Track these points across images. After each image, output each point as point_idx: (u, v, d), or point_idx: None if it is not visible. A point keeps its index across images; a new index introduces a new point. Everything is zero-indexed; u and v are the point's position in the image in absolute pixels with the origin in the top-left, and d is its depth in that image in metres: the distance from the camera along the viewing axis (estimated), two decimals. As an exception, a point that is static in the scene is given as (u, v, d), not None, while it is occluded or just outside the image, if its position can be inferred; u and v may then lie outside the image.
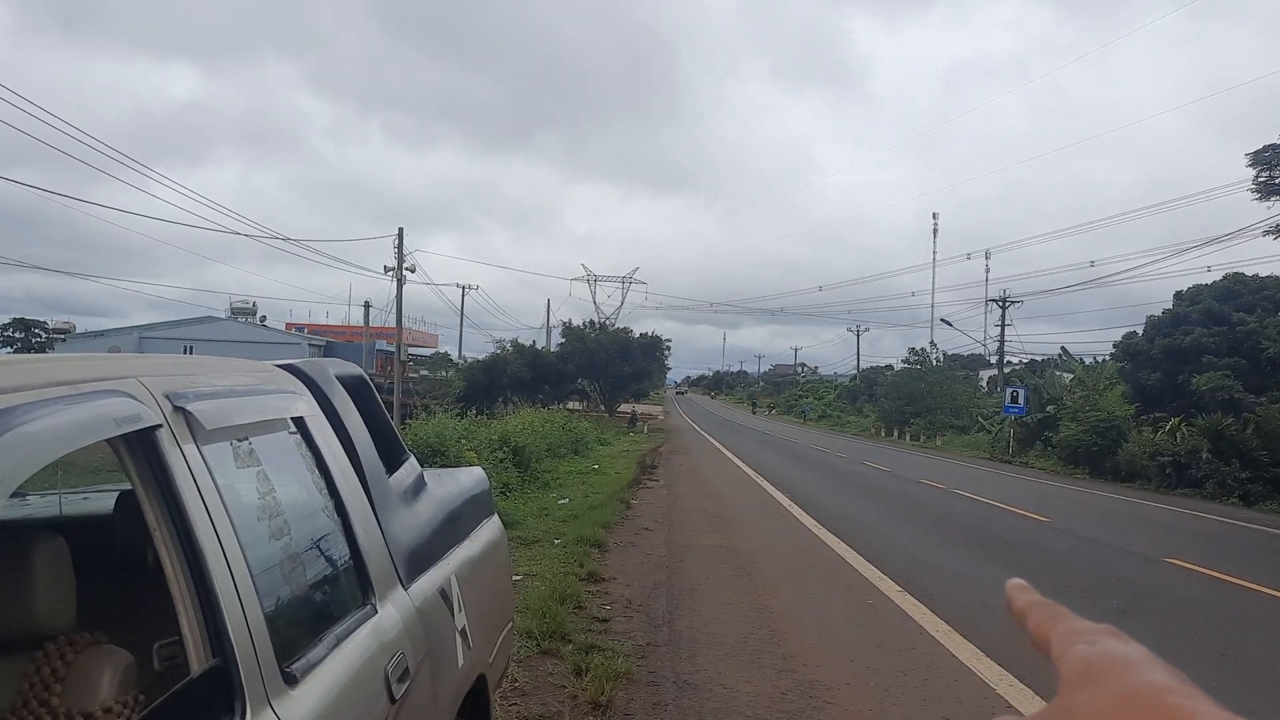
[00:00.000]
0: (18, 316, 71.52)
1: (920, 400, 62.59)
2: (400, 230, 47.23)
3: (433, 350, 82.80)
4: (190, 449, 2.01)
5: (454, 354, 75.94)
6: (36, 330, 71.13)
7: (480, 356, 65.87)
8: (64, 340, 67.63)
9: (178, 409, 2.02)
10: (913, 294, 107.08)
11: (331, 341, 72.41)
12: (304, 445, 2.69)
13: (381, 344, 67.74)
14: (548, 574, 9.90)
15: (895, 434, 61.60)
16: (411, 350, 69.49)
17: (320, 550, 2.60)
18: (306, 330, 79.87)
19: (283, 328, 78.30)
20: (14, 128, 20.62)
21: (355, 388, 3.36)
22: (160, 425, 1.92)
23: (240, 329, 69.04)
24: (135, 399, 1.90)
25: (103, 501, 3.16)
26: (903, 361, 75.04)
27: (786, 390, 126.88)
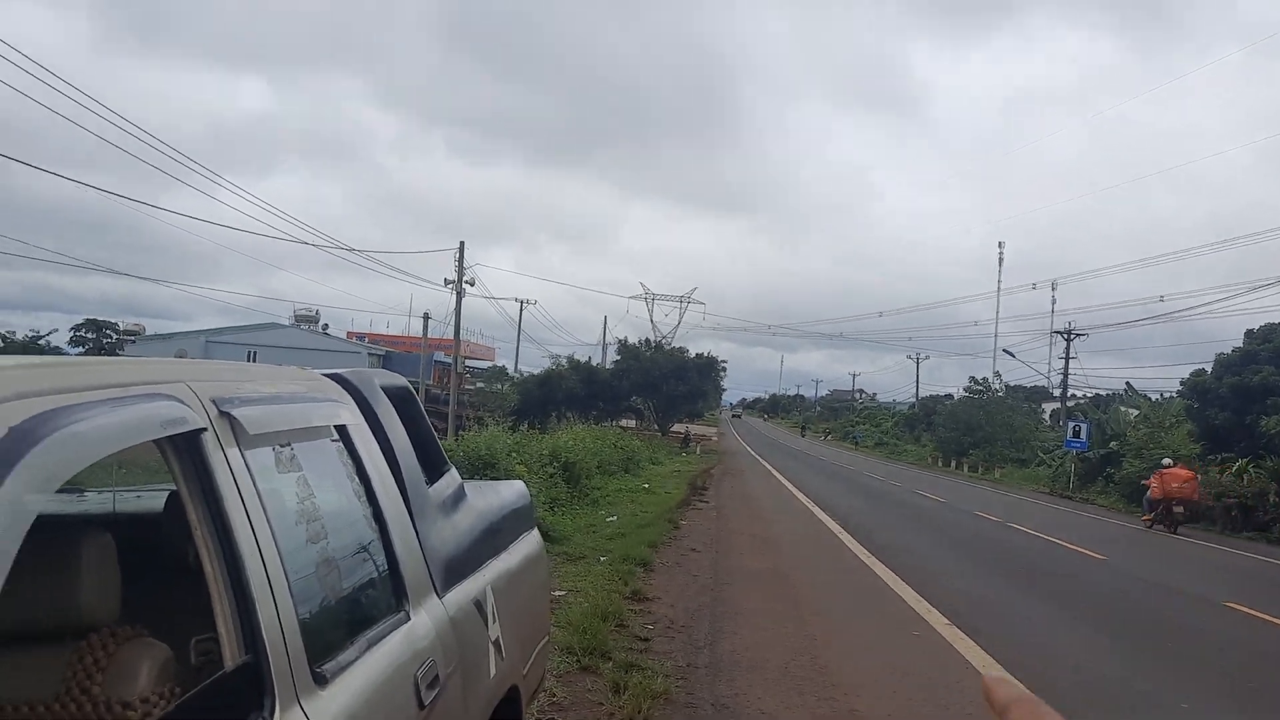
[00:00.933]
0: (90, 317, 73.53)
1: (979, 430, 61.60)
2: (461, 244, 47.88)
3: (489, 363, 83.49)
4: (233, 453, 2.08)
5: (510, 367, 76.57)
6: (108, 331, 72.98)
7: (536, 371, 66.39)
8: (134, 342, 69.25)
9: (223, 413, 2.10)
10: (975, 323, 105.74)
11: (391, 351, 73.35)
12: (345, 453, 2.76)
13: (439, 355, 68.47)
14: (591, 591, 9.93)
15: (952, 464, 60.69)
16: (469, 362, 70.18)
17: (356, 556, 2.66)
18: (367, 339, 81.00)
19: (344, 336, 79.52)
20: (94, 134, 21.43)
21: (400, 398, 3.44)
22: (205, 429, 1.99)
23: (303, 336, 70.27)
24: (182, 403, 1.97)
25: (154, 500, 3.26)
26: (963, 390, 74.00)
27: (843, 416, 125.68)
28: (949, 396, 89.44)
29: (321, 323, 79.88)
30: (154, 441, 1.88)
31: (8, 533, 1.39)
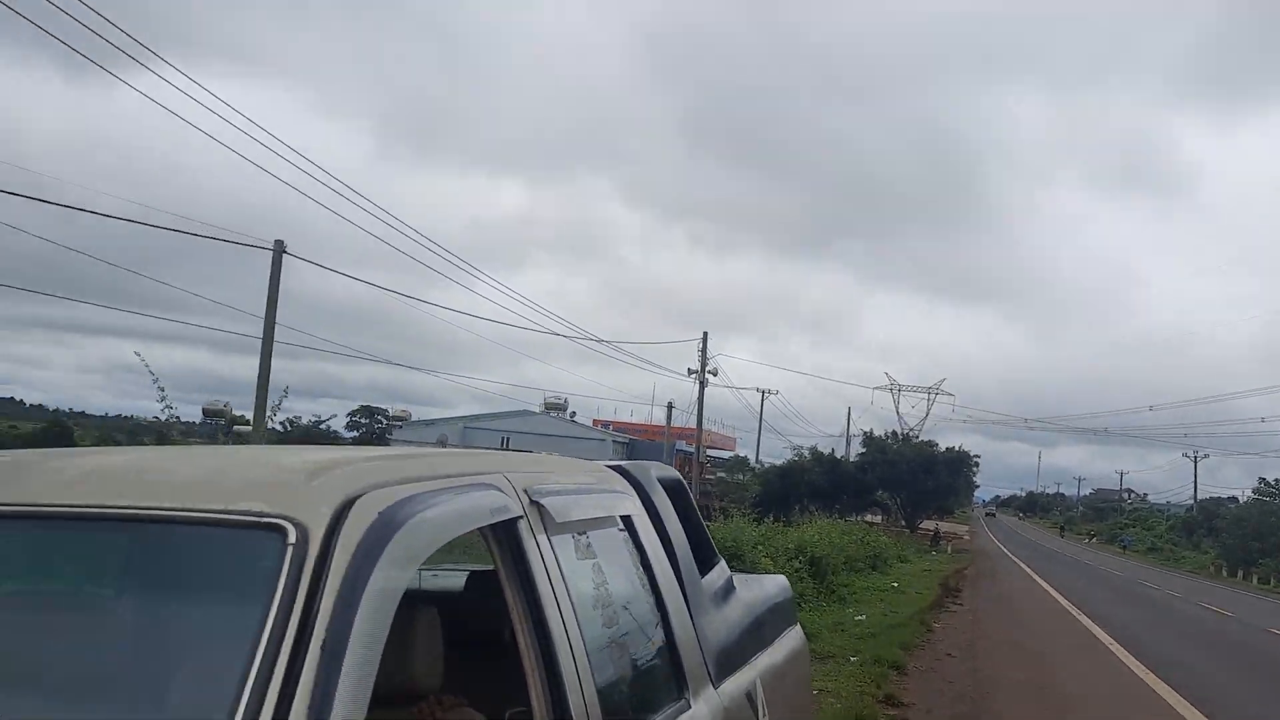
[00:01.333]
0: (364, 404, 79.54)
1: (1272, 538, 55.31)
2: (704, 334, 48.76)
3: (730, 453, 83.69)
4: (543, 539, 2.27)
5: (751, 458, 76.41)
6: (379, 417, 78.53)
7: (777, 461, 65.88)
8: (400, 427, 74.10)
9: (534, 502, 2.30)
10: (1262, 419, 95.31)
11: (634, 439, 74.92)
12: (630, 543, 2.92)
13: (681, 444, 69.31)
14: (843, 692, 9.66)
15: (1239, 575, 54.70)
16: (710, 452, 70.66)
17: (643, 642, 2.79)
18: (611, 427, 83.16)
19: (590, 424, 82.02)
20: (375, 236, 23.81)
21: (674, 490, 3.59)
22: (521, 517, 2.20)
23: (552, 423, 73.09)
24: (502, 492, 2.19)
25: (452, 579, 3.53)
26: (1251, 493, 66.95)
27: (1110, 518, 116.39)
28: (1233, 499, 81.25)
29: (570, 411, 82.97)
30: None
31: (383, 605, 1.60)
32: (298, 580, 1.53)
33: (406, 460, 2.08)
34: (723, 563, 3.84)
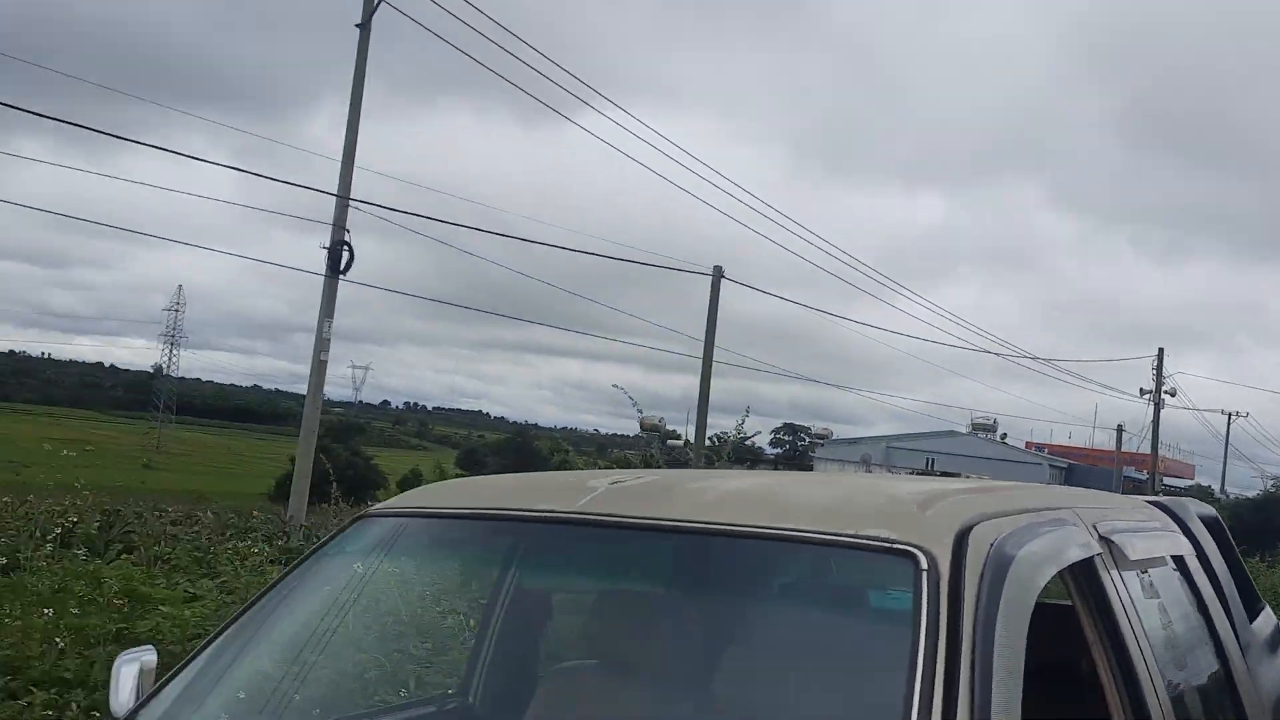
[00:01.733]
0: (787, 421, 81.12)
1: None
2: (1160, 351, 44.30)
3: (1189, 481, 74.84)
4: (1115, 576, 2.28)
5: (1214, 487, 67.86)
6: (801, 435, 79.73)
7: (1246, 492, 57.95)
8: (822, 445, 74.66)
9: (1104, 539, 2.31)
10: None
11: (1073, 464, 69.58)
12: (1184, 583, 2.81)
13: (1130, 471, 63.13)
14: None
15: None
16: (1165, 480, 63.76)
17: (1205, 687, 2.68)
18: (1046, 450, 77.79)
19: (1022, 446, 77.29)
20: (794, 254, 24.58)
21: (1213, 529, 3.39)
22: (1099, 553, 2.22)
23: (981, 445, 69.76)
24: (1077, 528, 2.23)
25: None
26: None
27: None
28: None
29: (1000, 431, 78.68)
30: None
31: (1015, 633, 1.71)
32: (937, 603, 1.68)
33: (993, 493, 2.19)
34: (1268, 609, 3.55)
